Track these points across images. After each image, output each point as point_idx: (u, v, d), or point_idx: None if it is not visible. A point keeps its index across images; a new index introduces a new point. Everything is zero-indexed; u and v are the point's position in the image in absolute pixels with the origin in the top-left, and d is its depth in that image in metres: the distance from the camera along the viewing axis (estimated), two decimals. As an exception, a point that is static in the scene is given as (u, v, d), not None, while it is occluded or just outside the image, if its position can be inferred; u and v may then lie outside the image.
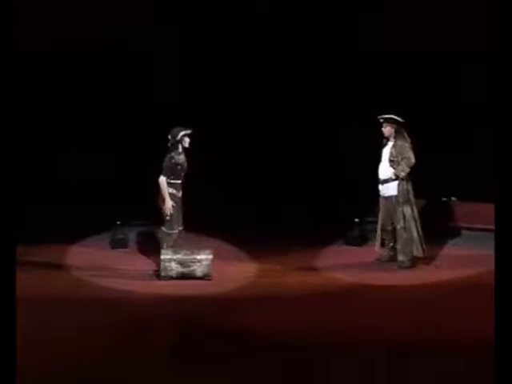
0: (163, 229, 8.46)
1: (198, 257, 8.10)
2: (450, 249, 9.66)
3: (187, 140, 8.47)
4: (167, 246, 8.38)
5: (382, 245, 8.99)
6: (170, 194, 8.37)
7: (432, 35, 10.51)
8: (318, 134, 11.33)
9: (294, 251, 9.34)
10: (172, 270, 8.02)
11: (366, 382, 4.73)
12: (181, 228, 8.54)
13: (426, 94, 10.91)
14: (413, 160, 8.66)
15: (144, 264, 8.80)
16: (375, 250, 9.03)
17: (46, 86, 11.01)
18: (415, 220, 8.68)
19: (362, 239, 10.26)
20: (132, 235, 10.55)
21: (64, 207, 10.53)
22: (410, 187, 8.71)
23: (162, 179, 8.35)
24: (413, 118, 9.58)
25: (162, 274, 8.02)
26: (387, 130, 8.80)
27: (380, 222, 8.94)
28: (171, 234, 8.44)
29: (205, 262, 8.07)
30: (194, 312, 6.49)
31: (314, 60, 11.49)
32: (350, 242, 10.25)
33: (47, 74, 10.98)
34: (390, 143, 8.80)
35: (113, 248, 10.03)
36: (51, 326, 5.91)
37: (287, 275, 8.41)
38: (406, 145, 8.74)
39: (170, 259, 8.04)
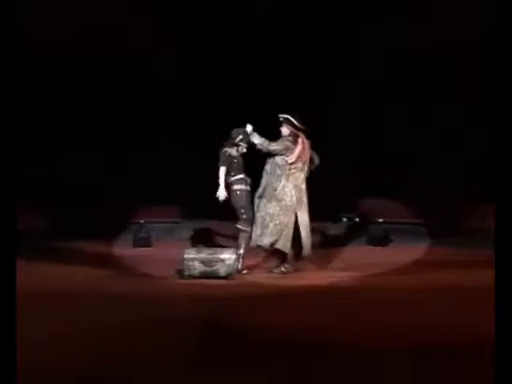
0: (239, 226, 8.51)
1: (222, 256, 8.04)
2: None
3: (244, 145, 8.57)
4: (245, 245, 8.44)
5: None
6: (239, 190, 8.48)
7: (429, 36, 10.56)
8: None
9: (317, 250, 9.31)
10: (195, 269, 7.98)
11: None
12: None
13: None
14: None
15: (167, 263, 8.80)
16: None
17: (58, 86, 11.20)
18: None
19: (386, 239, 10.35)
20: (155, 234, 10.69)
21: (89, 206, 10.68)
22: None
23: (222, 169, 8.46)
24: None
25: (185, 273, 8.00)
26: (284, 130, 8.54)
27: None
28: (246, 231, 8.47)
29: (228, 262, 8.01)
30: (217, 311, 6.46)
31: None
32: (373, 241, 10.33)
33: (56, 73, 11.17)
34: None
35: (135, 247, 10.17)
36: (70, 324, 5.90)
37: (309, 275, 8.43)
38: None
39: (193, 258, 8.01)
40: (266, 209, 8.40)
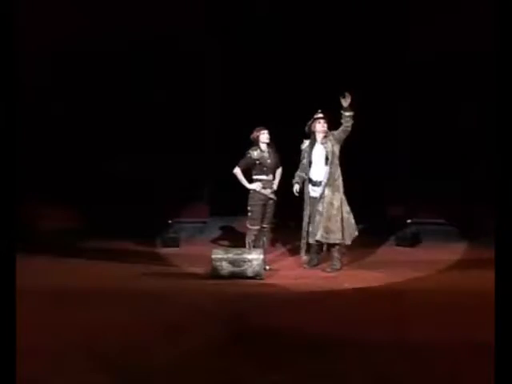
0: (246, 223, 8.72)
1: (249, 256, 8.09)
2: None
3: (264, 137, 8.72)
4: (248, 242, 8.63)
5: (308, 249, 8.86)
6: (252, 190, 8.64)
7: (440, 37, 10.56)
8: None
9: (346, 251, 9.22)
10: (223, 269, 8.02)
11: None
12: (266, 226, 8.75)
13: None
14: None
15: (195, 263, 8.84)
16: (302, 256, 8.90)
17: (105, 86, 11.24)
18: (332, 206, 8.54)
19: (414, 240, 10.28)
20: (183, 234, 10.69)
21: (119, 206, 10.74)
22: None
23: (236, 170, 8.67)
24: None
25: (213, 273, 8.03)
26: (326, 126, 8.62)
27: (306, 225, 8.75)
28: (251, 229, 8.66)
29: (255, 262, 8.04)
30: (244, 310, 6.49)
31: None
32: (401, 242, 10.26)
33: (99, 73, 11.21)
34: (321, 142, 8.64)
35: (164, 247, 10.16)
36: (99, 319, 6.05)
37: (337, 275, 8.42)
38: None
39: (221, 259, 8.05)
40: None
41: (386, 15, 11.25)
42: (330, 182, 8.50)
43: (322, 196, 8.51)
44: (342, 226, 8.52)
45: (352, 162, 8.73)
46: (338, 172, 8.57)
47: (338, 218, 8.51)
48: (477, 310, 6.28)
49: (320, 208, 8.51)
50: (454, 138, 10.93)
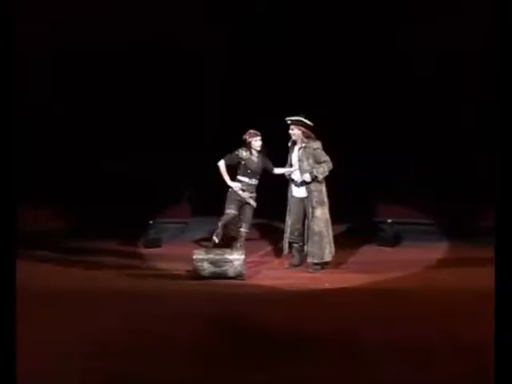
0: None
1: (230, 257, 8.12)
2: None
3: (257, 144, 8.84)
4: (219, 225, 8.76)
5: (290, 248, 8.95)
6: (231, 188, 8.78)
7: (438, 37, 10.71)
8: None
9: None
10: (204, 269, 8.06)
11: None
12: (244, 229, 8.89)
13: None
14: (330, 164, 8.58)
15: (176, 263, 8.85)
16: (284, 255, 9.04)
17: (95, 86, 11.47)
18: (327, 222, 8.65)
19: (396, 240, 10.40)
20: (165, 234, 10.69)
21: (100, 206, 10.87)
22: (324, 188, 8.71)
23: (220, 163, 8.81)
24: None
25: (195, 273, 8.07)
26: (297, 132, 8.64)
27: (289, 223, 8.86)
28: (226, 214, 8.77)
29: (237, 262, 8.08)
30: (226, 311, 6.59)
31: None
32: (382, 242, 10.35)
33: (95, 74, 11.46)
34: (298, 146, 8.71)
35: (146, 247, 10.11)
36: (79, 322, 6.11)
37: (317, 276, 8.50)
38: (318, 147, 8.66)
39: (203, 259, 8.09)
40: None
41: (387, 15, 11.32)
42: (319, 200, 8.62)
43: (313, 215, 8.54)
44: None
45: (334, 161, 8.74)
46: (324, 189, 8.67)
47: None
48: (459, 307, 6.51)
49: (316, 228, 8.54)
50: (453, 138, 11.06)
